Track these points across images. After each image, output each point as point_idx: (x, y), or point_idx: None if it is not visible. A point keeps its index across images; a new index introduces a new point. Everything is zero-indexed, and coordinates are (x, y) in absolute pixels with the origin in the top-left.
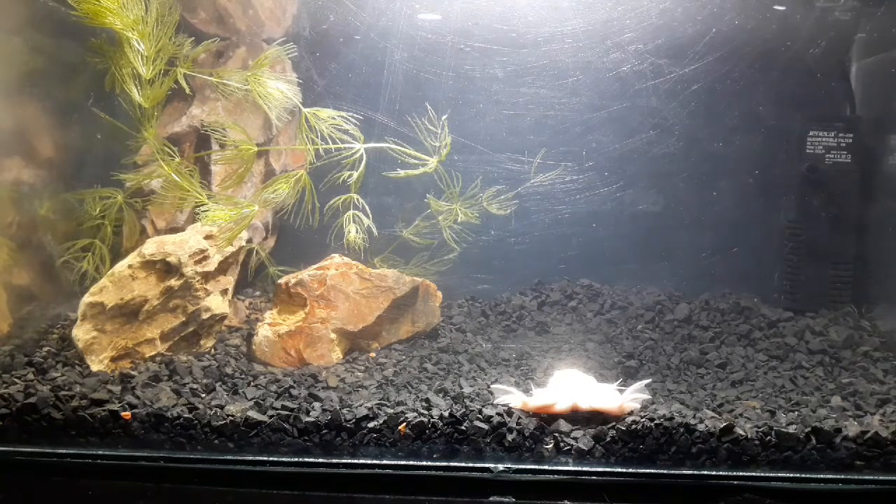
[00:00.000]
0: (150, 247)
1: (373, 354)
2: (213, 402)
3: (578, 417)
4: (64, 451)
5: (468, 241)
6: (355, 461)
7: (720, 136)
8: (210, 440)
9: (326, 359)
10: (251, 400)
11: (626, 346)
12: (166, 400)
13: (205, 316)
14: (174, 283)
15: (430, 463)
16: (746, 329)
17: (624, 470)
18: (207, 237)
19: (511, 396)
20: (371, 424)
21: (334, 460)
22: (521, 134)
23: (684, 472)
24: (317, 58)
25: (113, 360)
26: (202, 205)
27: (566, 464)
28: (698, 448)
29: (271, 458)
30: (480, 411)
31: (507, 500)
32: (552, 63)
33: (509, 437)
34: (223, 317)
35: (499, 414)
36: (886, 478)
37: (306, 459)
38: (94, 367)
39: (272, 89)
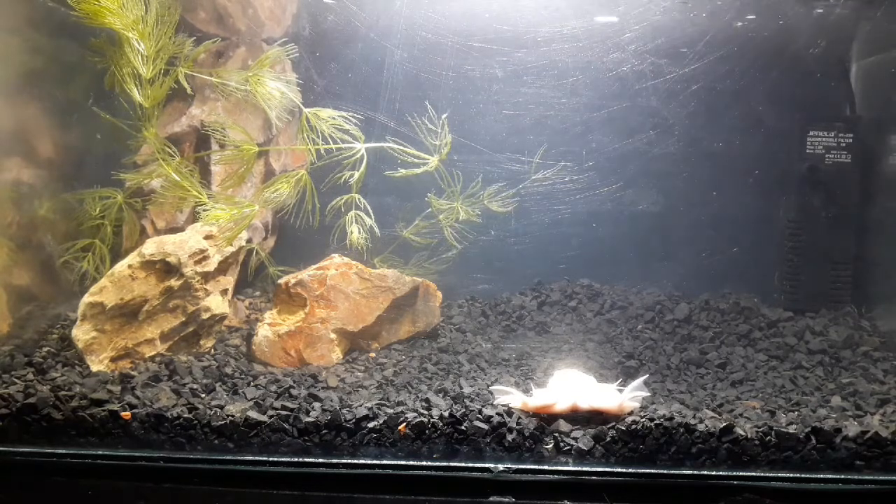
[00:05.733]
0: (150, 247)
1: (373, 354)
2: (213, 403)
3: (578, 417)
4: (64, 451)
5: (468, 241)
6: (355, 461)
7: (720, 135)
8: (210, 440)
9: (326, 359)
10: (251, 400)
11: (626, 346)
12: (166, 400)
13: (205, 316)
14: (174, 283)
15: (430, 463)
16: (746, 329)
17: (624, 470)
18: (207, 237)
19: (511, 397)
20: (371, 424)
21: (334, 460)
22: (521, 134)
23: (684, 472)
24: (317, 58)
25: (113, 360)
26: (202, 205)
27: (566, 464)
28: (698, 448)
29: (271, 458)
30: (480, 411)
31: (506, 500)
32: (552, 63)
33: (509, 437)
34: (223, 317)
35: (499, 414)
36: (886, 478)
37: (306, 459)
38: (94, 368)
39: (272, 89)
